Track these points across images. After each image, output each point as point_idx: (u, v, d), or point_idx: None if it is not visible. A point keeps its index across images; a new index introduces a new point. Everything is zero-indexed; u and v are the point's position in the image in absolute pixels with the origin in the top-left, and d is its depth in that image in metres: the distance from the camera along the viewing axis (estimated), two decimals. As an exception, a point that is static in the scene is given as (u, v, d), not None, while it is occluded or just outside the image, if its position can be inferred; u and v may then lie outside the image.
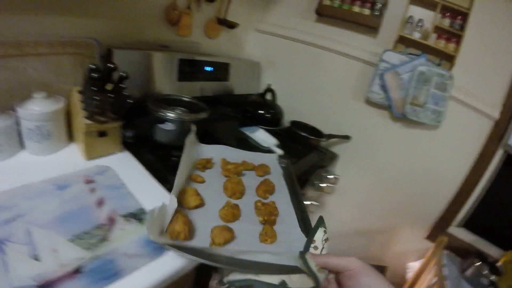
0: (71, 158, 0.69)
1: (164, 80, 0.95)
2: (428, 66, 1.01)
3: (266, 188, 0.67)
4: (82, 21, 0.76)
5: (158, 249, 0.50)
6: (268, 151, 0.96)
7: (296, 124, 1.20)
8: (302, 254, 0.43)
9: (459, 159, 1.08)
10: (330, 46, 1.23)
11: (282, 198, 0.66)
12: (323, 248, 0.45)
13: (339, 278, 0.41)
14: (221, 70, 1.19)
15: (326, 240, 0.46)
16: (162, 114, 0.77)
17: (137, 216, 0.57)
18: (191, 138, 0.73)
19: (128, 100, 0.61)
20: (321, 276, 0.41)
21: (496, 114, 0.97)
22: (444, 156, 1.11)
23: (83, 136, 0.65)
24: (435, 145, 1.12)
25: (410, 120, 1.09)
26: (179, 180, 0.58)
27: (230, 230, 0.52)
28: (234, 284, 0.42)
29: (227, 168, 0.72)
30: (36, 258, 0.44)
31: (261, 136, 1.03)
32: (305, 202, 0.95)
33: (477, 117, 1.01)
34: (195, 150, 0.77)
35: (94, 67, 0.58)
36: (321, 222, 0.47)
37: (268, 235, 0.53)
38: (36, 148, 0.66)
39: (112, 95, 0.59)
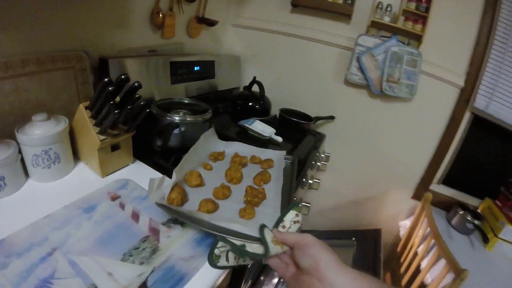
0: (85, 178, 0.66)
1: (159, 85, 0.92)
2: (399, 46, 1.12)
3: (262, 178, 0.73)
4: (69, 33, 0.71)
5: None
6: (276, 144, 1.02)
7: (285, 111, 1.25)
8: (262, 226, 0.48)
9: (434, 125, 1.22)
10: (308, 34, 1.29)
11: (273, 187, 0.71)
12: (289, 227, 0.50)
13: (294, 255, 0.44)
14: (207, 68, 1.19)
15: (297, 222, 0.50)
16: (170, 118, 0.77)
17: (177, 220, 0.58)
18: (209, 133, 0.82)
19: (146, 110, 0.60)
20: (275, 247, 0.45)
21: (461, 82, 1.11)
22: (420, 123, 1.24)
23: (97, 153, 0.63)
24: (412, 115, 1.24)
25: (387, 96, 1.20)
26: (184, 162, 0.67)
27: (214, 203, 0.60)
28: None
29: (234, 159, 0.80)
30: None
31: (259, 126, 1.06)
32: (309, 181, 1.02)
33: (445, 86, 1.14)
34: (211, 143, 0.85)
35: (108, 80, 0.56)
36: (294, 205, 0.52)
37: (246, 211, 0.59)
38: (45, 174, 0.62)
39: (130, 108, 0.57)
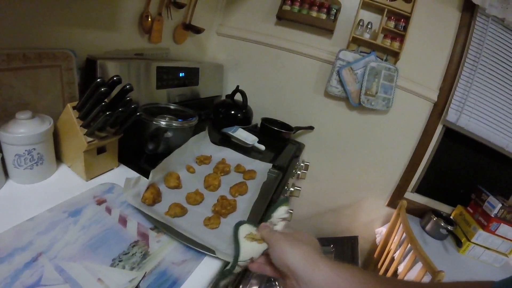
0: (68, 181, 0.63)
1: (145, 89, 0.91)
2: (377, 62, 1.20)
3: (238, 189, 0.72)
4: (58, 30, 0.69)
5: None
6: (259, 152, 1.04)
7: (267, 120, 1.27)
8: (237, 224, 0.47)
9: (408, 136, 1.30)
10: (291, 47, 1.33)
11: (247, 200, 0.70)
12: (276, 225, 0.48)
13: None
14: (192, 75, 1.19)
15: (284, 219, 0.49)
16: (157, 123, 0.76)
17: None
18: (201, 136, 0.85)
19: (137, 113, 0.59)
20: (252, 246, 0.43)
21: (434, 97, 1.20)
22: (395, 135, 1.32)
23: (83, 155, 0.61)
24: (387, 127, 1.32)
25: (364, 108, 1.27)
26: (166, 162, 0.68)
27: (183, 208, 0.60)
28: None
29: (218, 166, 0.80)
30: (84, 294, 0.40)
31: (242, 134, 1.07)
32: (291, 189, 1.04)
33: (420, 100, 1.23)
34: (200, 146, 0.87)
35: (101, 80, 0.54)
36: (284, 200, 0.51)
37: (210, 221, 0.59)
38: (27, 175, 0.58)
39: (122, 111, 0.56)
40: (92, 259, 0.46)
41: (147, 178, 0.63)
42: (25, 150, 0.56)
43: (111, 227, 0.53)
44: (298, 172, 1.19)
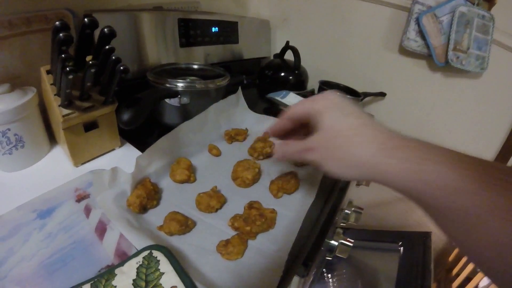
0: (56, 167, 0.50)
1: (163, 48, 0.72)
2: (468, 6, 0.86)
3: (283, 185, 0.47)
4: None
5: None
6: None
7: (327, 84, 1.00)
8: None
9: (505, 109, 0.94)
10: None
11: (296, 205, 0.45)
12: None
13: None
14: (229, 31, 0.96)
15: None
16: (170, 85, 0.56)
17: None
18: (231, 100, 0.63)
19: (121, 68, 0.40)
20: None
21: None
22: (490, 106, 0.96)
23: (64, 133, 0.46)
24: (479, 96, 0.97)
25: (451, 69, 0.93)
26: (164, 144, 0.47)
27: (182, 222, 0.38)
28: None
29: (255, 145, 0.56)
30: None
31: (294, 101, 0.84)
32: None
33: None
34: (231, 115, 0.65)
35: (60, 24, 0.36)
36: None
37: (227, 248, 0.36)
38: (6, 162, 0.47)
39: (94, 65, 0.38)
40: (44, 286, 0.32)
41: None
42: (-1, 132, 0.43)
43: (82, 238, 0.37)
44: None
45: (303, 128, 0.36)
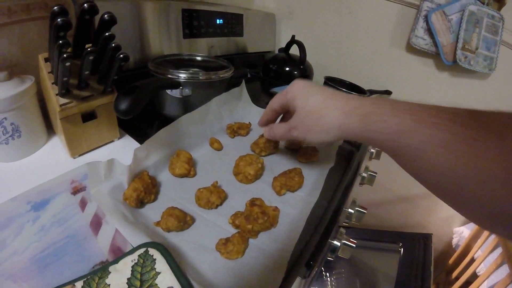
0: (54, 158, 0.48)
1: (165, 39, 0.71)
2: (478, 6, 0.86)
3: (286, 182, 0.45)
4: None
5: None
6: None
7: (332, 80, 0.98)
8: None
9: None
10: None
11: (299, 202, 0.44)
12: None
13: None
14: (233, 23, 0.94)
15: None
16: (172, 76, 0.55)
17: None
18: (234, 93, 0.62)
19: (121, 56, 0.38)
20: None
21: None
22: (495, 108, 0.92)
23: (61, 124, 0.44)
24: (486, 97, 0.96)
25: (459, 69, 0.93)
26: (163, 136, 0.46)
27: (180, 218, 0.36)
28: None
29: (259, 140, 0.54)
30: None
31: None
32: (364, 174, 0.75)
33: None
34: (234, 109, 0.64)
35: (58, 9, 0.34)
36: None
37: (227, 247, 0.34)
38: (3, 151, 0.45)
39: (93, 51, 0.36)
40: (34, 283, 0.30)
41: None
42: (-5, 121, 0.42)
43: (76, 232, 0.36)
44: (372, 150, 0.90)
45: (287, 114, 0.45)
